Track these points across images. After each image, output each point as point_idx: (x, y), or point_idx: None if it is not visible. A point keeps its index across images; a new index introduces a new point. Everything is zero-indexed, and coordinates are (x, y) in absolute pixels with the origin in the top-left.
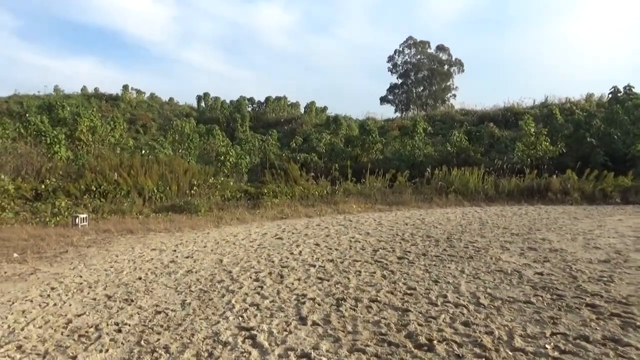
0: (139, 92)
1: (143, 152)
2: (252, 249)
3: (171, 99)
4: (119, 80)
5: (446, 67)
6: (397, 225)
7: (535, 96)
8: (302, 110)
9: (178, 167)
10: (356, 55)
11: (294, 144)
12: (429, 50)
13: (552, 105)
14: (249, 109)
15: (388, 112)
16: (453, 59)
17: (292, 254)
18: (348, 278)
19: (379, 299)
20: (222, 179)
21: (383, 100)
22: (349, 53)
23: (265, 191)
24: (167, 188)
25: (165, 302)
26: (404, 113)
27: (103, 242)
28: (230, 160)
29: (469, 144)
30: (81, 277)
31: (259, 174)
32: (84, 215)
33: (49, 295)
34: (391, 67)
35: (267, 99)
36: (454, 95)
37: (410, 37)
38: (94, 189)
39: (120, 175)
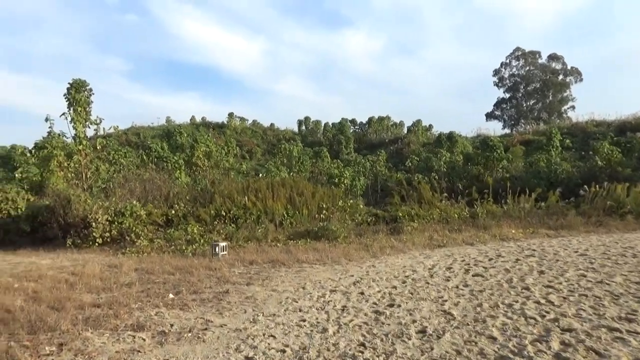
0: (242, 119)
1: (260, 175)
2: (462, 291)
3: (272, 125)
4: (220, 112)
5: (561, 77)
6: (611, 255)
7: None
8: (405, 130)
9: (305, 189)
10: (446, 74)
11: (410, 164)
12: (539, 61)
13: None
14: (351, 131)
15: (495, 128)
16: (568, 68)
17: (524, 295)
18: None
19: None
20: (352, 201)
21: (489, 116)
22: (438, 73)
23: (400, 214)
24: (297, 212)
25: None
26: (514, 129)
27: (259, 277)
28: (345, 182)
29: (621, 156)
30: (274, 337)
31: (370, 196)
32: (224, 244)
33: None
34: (497, 81)
35: (370, 119)
36: (573, 107)
37: (518, 48)
38: (224, 213)
39: (250, 199)
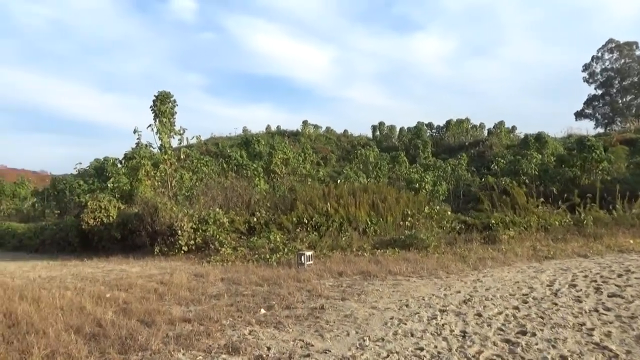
0: (316, 126)
1: (339, 181)
2: (607, 317)
3: (345, 131)
4: (292, 121)
5: None
6: None
7: None
8: (486, 133)
9: (389, 195)
10: (526, 73)
11: (496, 167)
12: (637, 52)
13: None
14: (428, 135)
15: (587, 128)
16: None
17: None
18: None
19: None
20: (438, 207)
21: (579, 115)
22: (517, 73)
23: (494, 221)
24: (380, 219)
25: None
26: (608, 127)
27: (353, 291)
28: (426, 187)
29: None
30: None
31: (452, 202)
32: (309, 254)
33: None
34: (587, 76)
35: (448, 122)
36: None
37: (611, 40)
38: (306, 221)
39: (331, 206)
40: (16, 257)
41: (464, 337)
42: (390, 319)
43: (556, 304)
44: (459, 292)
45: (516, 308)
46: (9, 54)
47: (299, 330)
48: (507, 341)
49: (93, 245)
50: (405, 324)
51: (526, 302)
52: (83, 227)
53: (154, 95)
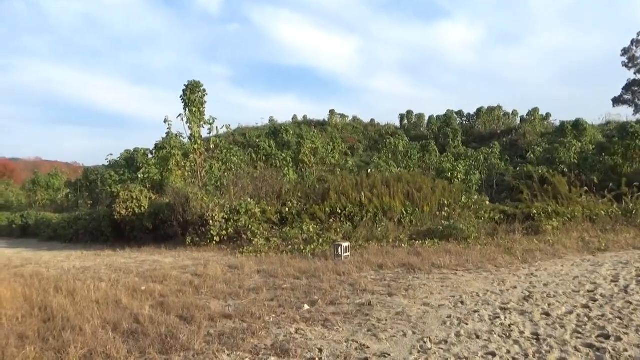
0: (342, 116)
1: (370, 170)
2: None
3: (372, 120)
4: (318, 112)
5: None
6: None
7: None
8: (518, 120)
9: (424, 185)
10: (558, 60)
11: (532, 155)
12: None
13: None
14: (457, 123)
15: (626, 114)
16: None
17: None
18: None
19: None
20: (476, 197)
21: (617, 101)
22: (548, 60)
23: (535, 211)
24: (416, 209)
25: None
26: None
27: (399, 286)
28: (459, 176)
29: None
30: None
31: (485, 191)
32: (346, 245)
33: None
34: (627, 61)
35: (479, 110)
36: None
37: None
38: (339, 211)
39: (365, 196)
40: (51, 247)
41: (537, 340)
42: (448, 317)
43: (630, 303)
44: (515, 287)
45: (586, 307)
46: (42, 49)
47: (349, 330)
48: (590, 346)
49: (125, 235)
50: (467, 324)
51: (595, 300)
52: (115, 217)
53: (184, 85)
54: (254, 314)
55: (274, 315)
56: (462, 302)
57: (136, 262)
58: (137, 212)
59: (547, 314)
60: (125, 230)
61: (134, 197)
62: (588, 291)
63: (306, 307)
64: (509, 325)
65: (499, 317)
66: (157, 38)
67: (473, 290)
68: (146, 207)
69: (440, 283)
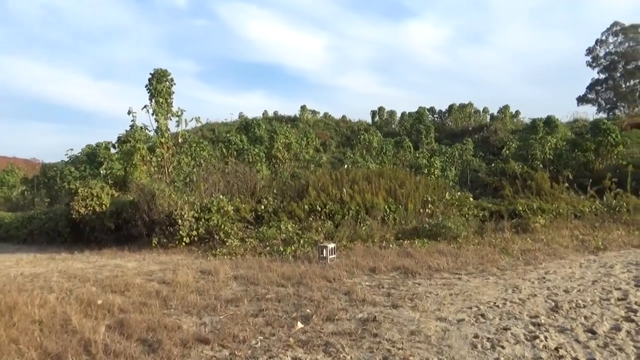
0: (314, 112)
1: (346, 166)
2: None
3: (344, 117)
4: (287, 108)
5: None
6: None
7: None
8: (488, 118)
9: (408, 181)
10: (523, 60)
11: (507, 152)
12: None
13: None
14: (429, 119)
15: (590, 113)
16: None
17: None
18: None
19: None
20: (460, 194)
21: (581, 100)
22: (513, 59)
23: (520, 208)
24: (399, 206)
25: None
26: (611, 113)
27: (401, 294)
28: (435, 172)
29: None
30: None
31: (460, 188)
32: (332, 246)
33: None
34: (591, 60)
35: (451, 107)
36: None
37: (615, 23)
38: (319, 209)
39: (347, 193)
40: (1, 249)
41: None
42: (475, 337)
43: None
44: (535, 295)
45: (629, 320)
46: (0, 41)
47: (359, 358)
48: None
49: (85, 236)
50: (503, 347)
51: (634, 311)
52: (73, 216)
53: (150, 74)
54: (237, 336)
55: (261, 338)
56: (482, 316)
57: (95, 267)
58: (97, 210)
59: (592, 332)
60: (84, 230)
61: (94, 194)
62: (619, 299)
63: (299, 324)
64: (556, 350)
65: (537, 337)
66: (122, 31)
67: (489, 300)
68: (108, 205)
69: (446, 290)
